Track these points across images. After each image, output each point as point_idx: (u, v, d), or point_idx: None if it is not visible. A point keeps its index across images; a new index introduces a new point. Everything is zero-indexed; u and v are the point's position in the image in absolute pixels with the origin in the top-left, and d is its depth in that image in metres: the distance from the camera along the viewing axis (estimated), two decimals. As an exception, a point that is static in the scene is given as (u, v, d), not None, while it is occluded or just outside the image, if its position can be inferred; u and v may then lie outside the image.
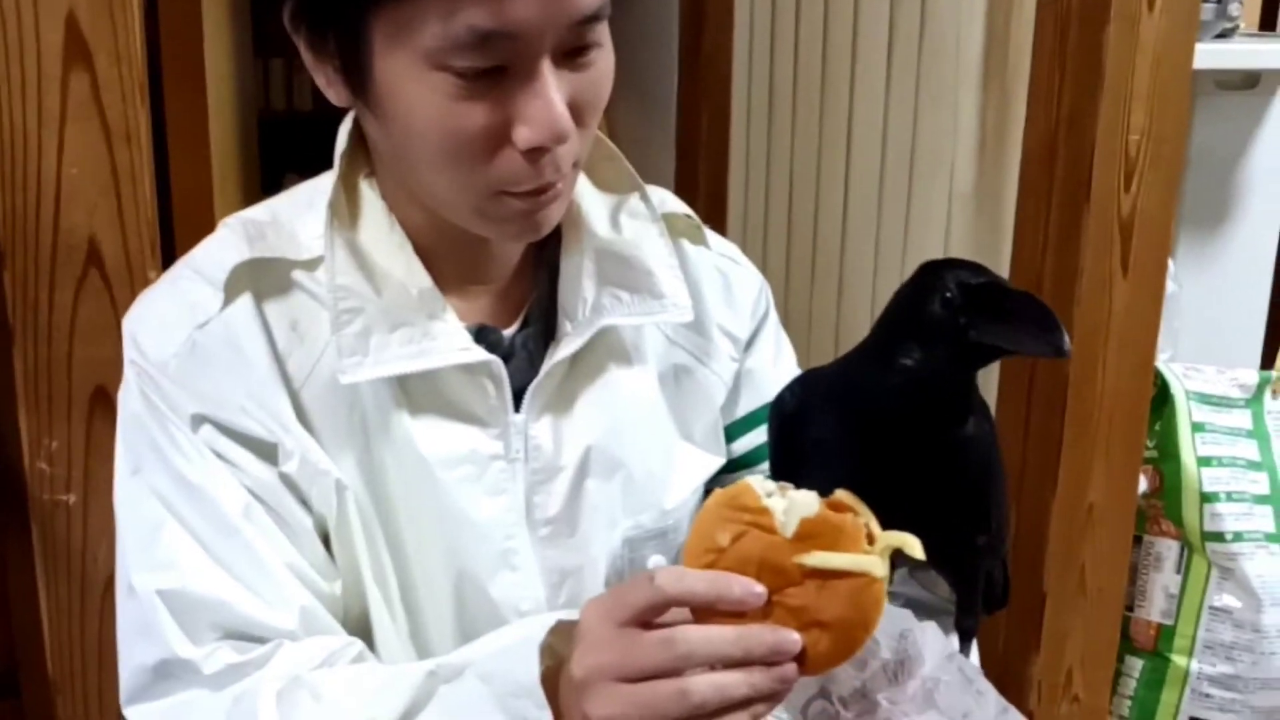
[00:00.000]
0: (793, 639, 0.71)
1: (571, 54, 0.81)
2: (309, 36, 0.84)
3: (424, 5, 0.76)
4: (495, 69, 0.79)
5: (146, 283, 1.25)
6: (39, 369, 1.25)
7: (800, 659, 0.72)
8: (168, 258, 1.29)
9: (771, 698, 0.72)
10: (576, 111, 0.82)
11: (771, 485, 0.74)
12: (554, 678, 0.78)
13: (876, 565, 0.70)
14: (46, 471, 1.28)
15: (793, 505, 0.71)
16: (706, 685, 0.71)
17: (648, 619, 0.74)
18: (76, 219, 1.23)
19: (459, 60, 0.78)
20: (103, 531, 1.30)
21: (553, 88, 0.80)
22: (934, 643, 0.83)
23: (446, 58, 0.78)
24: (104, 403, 1.26)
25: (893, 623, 0.82)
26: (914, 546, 0.71)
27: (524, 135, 0.80)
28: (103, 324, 1.24)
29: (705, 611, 0.72)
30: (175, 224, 1.46)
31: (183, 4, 1.38)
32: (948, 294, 0.77)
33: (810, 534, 0.71)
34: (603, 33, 0.83)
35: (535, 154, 0.82)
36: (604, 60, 0.84)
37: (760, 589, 0.71)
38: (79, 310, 1.25)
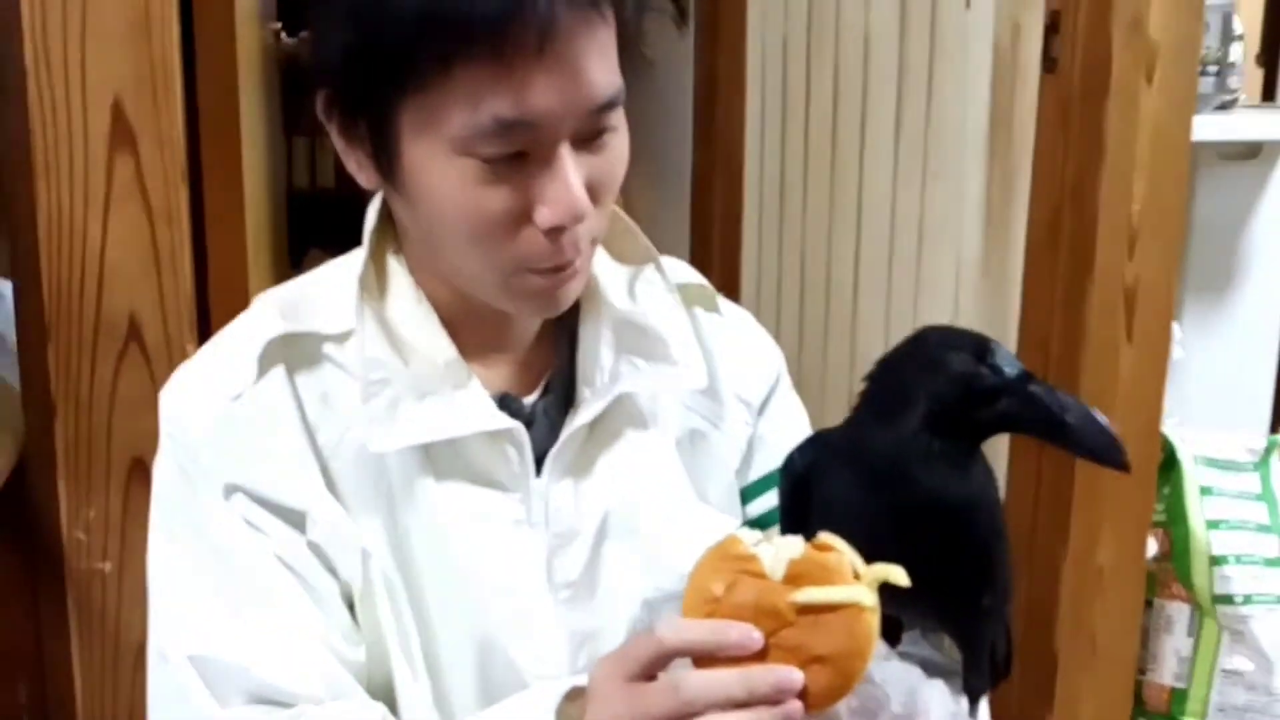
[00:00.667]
0: (794, 675, 0.73)
1: (589, 139, 0.85)
2: (341, 123, 0.88)
3: (451, 96, 0.80)
4: (517, 155, 0.83)
5: (185, 357, 1.29)
6: (79, 440, 1.29)
7: (803, 695, 0.74)
8: (204, 333, 1.33)
9: None
10: (593, 191, 0.86)
11: (759, 534, 0.77)
12: None
13: (864, 595, 0.73)
14: (84, 540, 1.31)
15: (780, 549, 0.75)
16: None
17: (653, 672, 0.77)
18: (118, 297, 1.27)
19: (483, 147, 0.82)
20: (137, 599, 1.32)
21: (571, 171, 0.84)
22: (940, 701, 0.85)
23: (472, 145, 0.82)
24: (141, 473, 1.29)
25: (902, 679, 0.84)
26: (899, 576, 0.74)
27: (545, 216, 0.84)
28: (141, 397, 1.28)
29: (707, 660, 0.75)
30: (211, 301, 1.50)
31: (221, 89, 1.44)
32: (984, 379, 0.80)
33: (799, 574, 0.74)
34: (618, 118, 0.87)
35: (555, 233, 0.85)
36: (619, 143, 0.88)
37: (757, 633, 0.74)
38: (119, 384, 1.28)
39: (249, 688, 0.89)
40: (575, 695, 0.82)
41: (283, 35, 2.47)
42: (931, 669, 0.90)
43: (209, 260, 1.49)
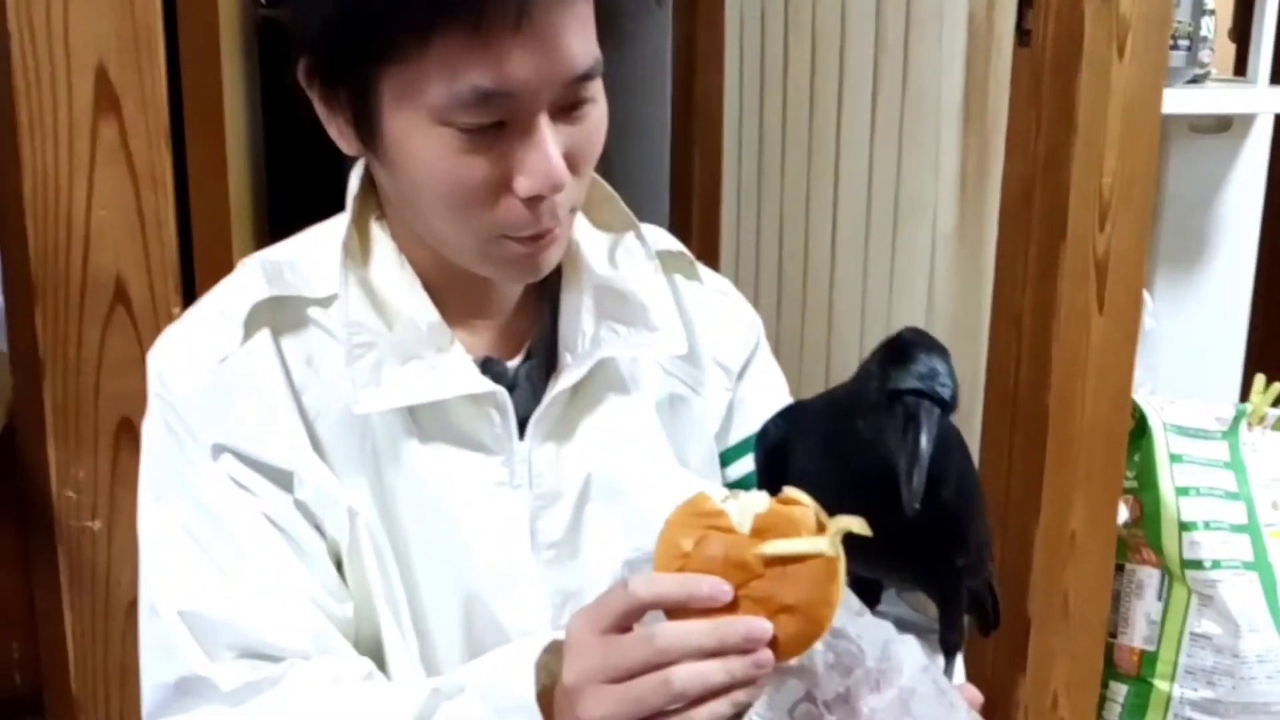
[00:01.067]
0: (763, 625, 0.76)
1: (567, 109, 0.87)
2: (322, 91, 0.89)
3: (430, 67, 0.82)
4: (496, 124, 0.84)
5: (170, 319, 1.30)
6: (67, 401, 1.30)
7: (773, 644, 0.76)
8: (188, 295, 1.34)
9: (749, 683, 0.76)
10: (572, 161, 0.88)
11: (726, 491, 0.79)
12: (550, 693, 0.83)
13: (827, 545, 0.76)
14: (74, 499, 1.32)
15: (746, 505, 0.77)
16: (686, 674, 0.75)
17: (627, 624, 0.79)
18: (104, 259, 1.28)
19: (462, 117, 0.83)
20: (126, 557, 1.34)
21: (550, 141, 0.85)
22: (913, 655, 0.87)
23: (451, 115, 0.83)
24: (129, 433, 1.30)
25: (876, 634, 0.87)
26: (860, 526, 0.76)
27: (523, 184, 0.86)
28: (129, 358, 1.29)
29: (679, 611, 0.77)
30: (196, 263, 1.51)
31: (203, 53, 1.44)
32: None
33: (765, 528, 0.76)
34: (596, 89, 0.89)
35: (534, 202, 0.87)
36: (597, 113, 0.90)
37: (726, 585, 0.76)
38: (106, 345, 1.29)
39: (238, 642, 0.91)
40: (554, 649, 0.84)
41: (262, 1, 2.47)
42: (907, 628, 0.93)
43: (193, 222, 1.50)
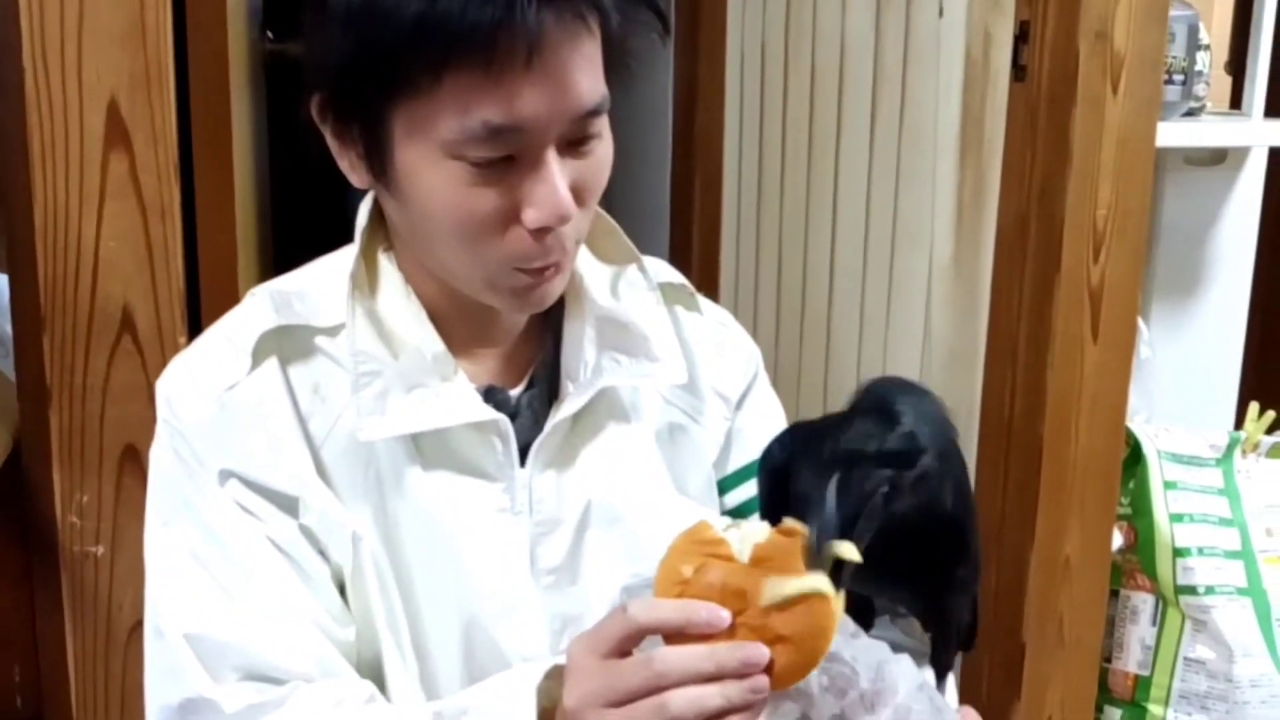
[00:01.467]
0: (761, 651, 0.77)
1: (574, 144, 0.89)
2: (335, 126, 0.91)
3: (442, 102, 0.84)
4: (505, 158, 0.87)
5: (176, 348, 1.33)
6: (73, 427, 1.32)
7: (769, 671, 0.77)
8: (194, 326, 1.37)
9: (746, 709, 0.77)
10: (578, 194, 0.90)
11: (727, 520, 0.81)
12: (550, 717, 0.84)
13: (823, 582, 0.77)
14: (77, 524, 1.34)
15: (746, 534, 0.79)
16: (683, 699, 0.76)
17: (626, 648, 0.80)
18: (112, 289, 1.31)
19: (473, 151, 0.85)
20: (129, 581, 1.36)
21: (557, 174, 0.88)
22: (908, 674, 0.88)
23: (461, 149, 0.85)
24: (134, 460, 1.32)
25: (871, 655, 0.88)
26: (849, 552, 0.78)
27: (531, 216, 0.88)
28: (134, 386, 1.31)
29: (677, 637, 0.79)
30: (202, 294, 1.54)
31: (213, 89, 1.47)
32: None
33: (763, 557, 0.78)
34: (602, 124, 0.91)
35: (541, 233, 0.89)
36: (603, 148, 0.92)
37: (724, 612, 0.77)
38: (112, 373, 1.31)
39: (242, 664, 0.92)
40: (555, 674, 0.86)
41: (269, 36, 2.50)
42: (898, 650, 0.94)
43: (200, 254, 1.53)
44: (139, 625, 1.38)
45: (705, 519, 0.82)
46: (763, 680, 0.77)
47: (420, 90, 0.84)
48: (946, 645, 1.00)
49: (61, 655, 1.36)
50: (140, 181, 1.28)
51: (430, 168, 0.87)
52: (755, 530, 0.79)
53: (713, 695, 0.77)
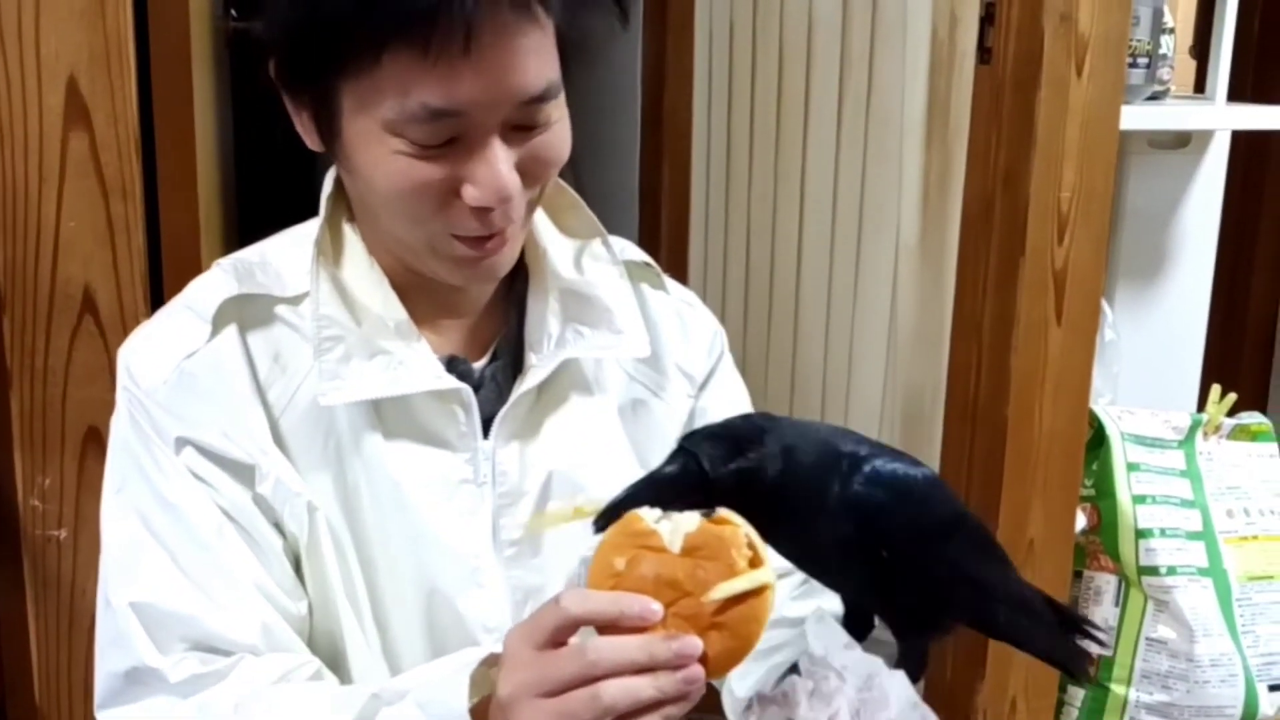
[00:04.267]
0: (694, 642, 0.77)
1: (522, 128, 0.90)
2: (287, 91, 0.93)
3: (382, 82, 0.85)
4: (448, 140, 0.87)
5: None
6: (34, 410, 1.31)
7: (704, 660, 0.78)
8: (157, 305, 1.35)
9: (679, 699, 0.78)
10: (526, 171, 0.91)
11: (658, 512, 0.81)
12: (486, 705, 0.84)
13: (769, 575, 0.78)
14: (39, 508, 1.33)
15: (677, 525, 0.79)
16: (616, 688, 0.77)
17: (560, 639, 0.81)
18: (73, 269, 1.30)
19: (413, 132, 0.86)
20: (92, 566, 1.34)
21: (500, 157, 0.88)
22: (901, 690, 0.86)
23: (403, 128, 0.86)
24: (96, 442, 1.32)
25: (863, 666, 0.87)
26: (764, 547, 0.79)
27: (471, 195, 0.89)
28: (96, 368, 1.30)
29: (611, 628, 0.79)
30: (164, 274, 1.52)
31: (174, 66, 1.45)
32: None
33: (695, 546, 0.78)
34: (554, 109, 0.91)
35: (482, 211, 0.90)
36: (557, 130, 0.92)
37: (656, 605, 0.78)
38: (74, 355, 1.31)
39: (189, 635, 0.93)
40: (492, 659, 0.86)
41: (232, 13, 2.48)
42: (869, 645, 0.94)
43: (162, 233, 1.52)
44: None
45: (636, 511, 0.81)
46: (697, 670, 0.77)
47: (362, 68, 0.85)
48: (909, 655, 0.99)
49: (24, 640, 1.35)
50: (100, 160, 1.28)
51: (374, 142, 0.88)
52: (686, 521, 0.79)
53: (646, 686, 0.77)
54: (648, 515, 0.80)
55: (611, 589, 0.79)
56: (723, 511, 0.81)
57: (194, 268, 1.59)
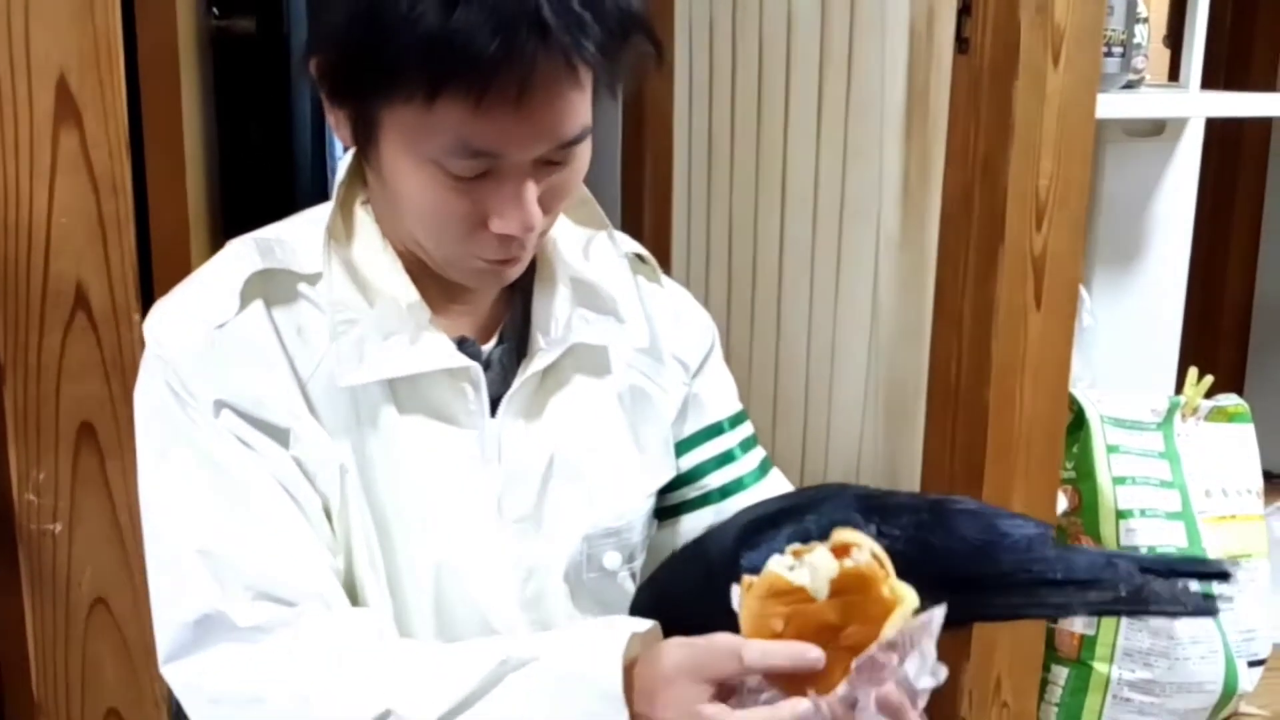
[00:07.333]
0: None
1: (551, 162, 0.92)
2: (327, 94, 0.94)
3: (430, 120, 0.87)
4: (482, 173, 0.90)
5: (131, 325, 1.33)
6: (28, 405, 1.31)
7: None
8: (148, 300, 1.36)
9: None
10: (547, 200, 0.94)
11: (789, 559, 0.83)
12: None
13: (911, 596, 0.80)
14: (34, 502, 1.33)
15: (815, 571, 0.81)
16: None
17: (729, 685, 0.84)
18: (65, 265, 1.30)
19: (451, 165, 0.89)
20: (87, 558, 1.36)
21: (530, 193, 0.91)
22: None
23: (441, 160, 0.89)
24: (90, 437, 1.32)
25: None
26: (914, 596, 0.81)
27: (498, 225, 0.92)
28: (89, 363, 1.31)
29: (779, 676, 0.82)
30: (155, 270, 1.54)
31: (162, 64, 1.47)
32: None
33: (841, 589, 0.81)
34: (583, 148, 0.94)
35: (506, 238, 0.93)
36: (580, 161, 0.95)
37: (818, 653, 0.80)
38: (67, 350, 1.31)
39: (254, 584, 0.94)
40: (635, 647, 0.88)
41: (214, 11, 2.49)
42: None
43: (151, 229, 1.53)
44: (99, 601, 1.38)
45: (772, 567, 0.83)
46: None
47: (412, 104, 0.86)
48: None
49: (21, 633, 1.36)
50: (91, 157, 1.28)
51: (410, 167, 0.91)
52: (822, 565, 0.81)
53: None
54: (781, 569, 0.82)
55: None
56: (842, 535, 0.83)
57: (184, 263, 1.60)
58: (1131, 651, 1.80)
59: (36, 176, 1.28)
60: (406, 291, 1.01)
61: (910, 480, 1.81)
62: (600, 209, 1.10)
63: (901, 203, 1.84)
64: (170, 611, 0.95)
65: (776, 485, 1.21)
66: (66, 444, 1.33)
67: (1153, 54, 2.17)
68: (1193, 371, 1.97)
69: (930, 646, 0.81)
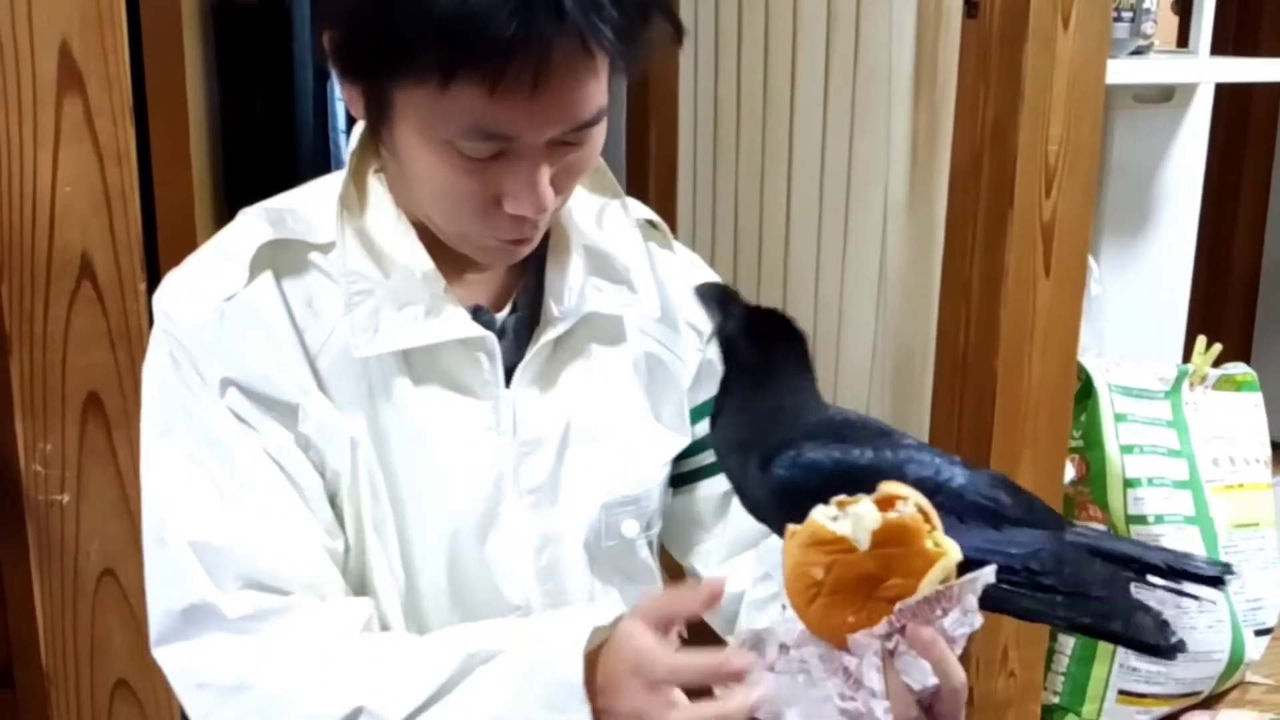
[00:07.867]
0: None
1: (565, 144, 0.91)
2: (340, 70, 0.92)
3: (443, 103, 0.85)
4: (495, 154, 0.89)
5: (137, 294, 1.32)
6: (34, 376, 1.31)
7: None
8: (153, 270, 1.36)
9: None
10: (560, 180, 0.93)
11: (833, 510, 0.82)
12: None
13: (954, 551, 0.81)
14: (41, 473, 1.33)
15: (858, 521, 0.80)
16: None
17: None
18: (70, 235, 1.29)
19: (465, 147, 0.88)
20: (94, 529, 1.36)
21: (543, 175, 0.90)
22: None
23: (455, 142, 0.88)
24: (96, 407, 1.32)
25: None
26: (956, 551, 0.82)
27: (510, 205, 0.91)
28: (95, 333, 1.30)
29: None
30: (160, 239, 1.53)
31: (165, 32, 1.45)
32: None
33: (884, 540, 0.80)
34: (598, 130, 0.92)
35: (519, 219, 0.92)
36: (594, 141, 0.94)
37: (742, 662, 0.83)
38: (72, 321, 1.31)
39: (244, 573, 0.94)
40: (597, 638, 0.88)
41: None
42: None
43: (156, 198, 1.52)
44: (106, 573, 1.38)
45: (814, 517, 0.82)
46: None
47: (425, 86, 0.85)
48: None
49: (29, 604, 1.36)
50: (95, 126, 1.27)
51: (423, 147, 0.89)
52: (866, 516, 0.81)
53: None
54: (824, 519, 0.82)
55: (812, 600, 0.82)
56: (887, 487, 0.83)
57: (189, 233, 1.59)
58: (1139, 619, 1.80)
59: (40, 145, 1.27)
60: (421, 261, 1.00)
61: (917, 449, 1.81)
62: (613, 178, 1.10)
63: (909, 169, 1.83)
64: (161, 597, 0.96)
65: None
66: (73, 415, 1.32)
67: (1162, 20, 2.16)
68: (1201, 340, 1.96)
69: (973, 601, 0.80)
